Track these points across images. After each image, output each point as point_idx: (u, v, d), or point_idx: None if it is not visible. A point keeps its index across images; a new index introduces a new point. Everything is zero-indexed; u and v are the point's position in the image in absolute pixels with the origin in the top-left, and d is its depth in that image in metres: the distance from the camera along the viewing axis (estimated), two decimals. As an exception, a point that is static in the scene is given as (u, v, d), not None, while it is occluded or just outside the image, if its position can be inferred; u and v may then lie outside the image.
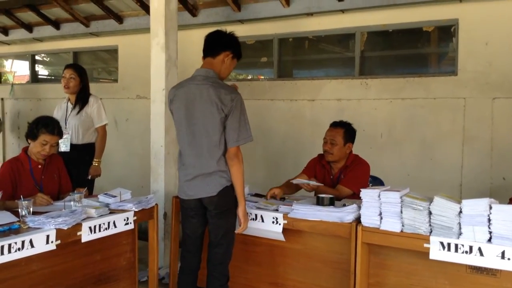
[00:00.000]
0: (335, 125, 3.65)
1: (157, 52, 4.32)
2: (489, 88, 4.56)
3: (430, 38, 5.03)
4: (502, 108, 4.51)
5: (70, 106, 4.49)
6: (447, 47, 4.96)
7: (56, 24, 7.03)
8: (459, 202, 2.50)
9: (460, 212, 2.48)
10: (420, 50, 5.16)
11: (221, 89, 2.82)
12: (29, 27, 7.33)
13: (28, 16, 7.08)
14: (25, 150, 3.49)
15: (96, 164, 4.42)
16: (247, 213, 3.04)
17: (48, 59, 8.37)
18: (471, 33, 4.60)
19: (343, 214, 2.84)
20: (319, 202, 2.99)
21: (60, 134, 3.46)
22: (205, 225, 3.05)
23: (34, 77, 8.17)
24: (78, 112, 4.40)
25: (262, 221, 3.08)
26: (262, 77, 6.15)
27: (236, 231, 2.99)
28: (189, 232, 3.06)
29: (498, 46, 4.49)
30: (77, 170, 4.13)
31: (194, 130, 2.87)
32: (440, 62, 5.09)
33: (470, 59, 4.62)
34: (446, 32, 4.84)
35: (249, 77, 6.34)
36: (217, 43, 2.98)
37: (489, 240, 2.41)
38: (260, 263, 3.25)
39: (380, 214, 2.70)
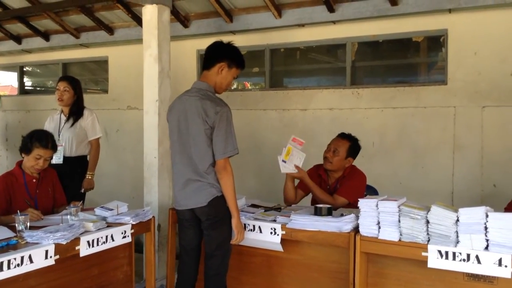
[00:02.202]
0: (343, 136, 3.67)
1: (150, 63, 4.32)
2: (478, 97, 4.63)
3: (419, 48, 5.11)
4: (491, 116, 4.58)
5: (63, 118, 4.46)
6: (437, 56, 5.04)
7: (46, 35, 6.99)
8: (456, 211, 2.54)
9: (457, 220, 2.51)
10: (410, 60, 5.24)
11: (208, 101, 2.88)
12: (18, 39, 7.29)
13: (17, 27, 7.04)
14: (19, 164, 3.46)
15: (90, 177, 4.40)
16: (243, 224, 3.05)
17: (37, 70, 8.31)
18: (460, 43, 4.68)
19: (341, 224, 2.86)
20: (317, 212, 3.00)
21: (54, 148, 3.45)
22: (201, 236, 3.06)
23: (22, 89, 8.10)
24: (72, 124, 4.38)
25: (260, 231, 3.08)
26: (254, 87, 6.19)
27: (231, 242, 3.00)
28: (185, 243, 3.08)
29: (486, 55, 4.57)
30: (70, 183, 4.10)
31: (184, 140, 2.94)
32: (430, 71, 5.17)
33: (460, 68, 4.70)
34: (436, 42, 4.92)
35: (241, 87, 6.37)
36: (211, 55, 3.03)
37: (486, 248, 2.44)
38: (257, 274, 3.25)
39: (378, 223, 2.73)
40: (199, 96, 2.91)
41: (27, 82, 8.33)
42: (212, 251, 2.96)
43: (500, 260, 2.39)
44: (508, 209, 3.16)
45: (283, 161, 3.41)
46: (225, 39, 3.15)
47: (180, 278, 3.11)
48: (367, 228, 2.76)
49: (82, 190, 4.40)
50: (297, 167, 3.42)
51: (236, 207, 2.94)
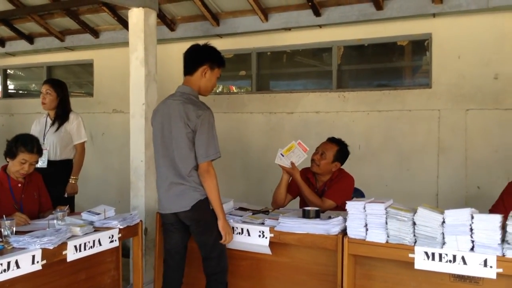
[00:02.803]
0: (332, 140, 3.70)
1: (136, 66, 4.31)
2: (462, 100, 4.70)
3: (404, 52, 5.17)
4: (475, 119, 4.65)
5: (49, 121, 4.42)
6: (421, 60, 5.10)
7: (30, 38, 6.92)
8: (442, 213, 2.57)
9: (443, 222, 2.55)
10: (395, 64, 5.29)
11: (190, 105, 2.90)
12: (1, 42, 7.20)
13: (1, 30, 6.95)
14: (4, 168, 3.42)
15: (73, 182, 4.37)
16: (231, 226, 3.05)
17: (21, 73, 8.21)
18: (444, 47, 4.75)
19: (329, 227, 2.88)
20: (305, 214, 3.02)
21: (39, 153, 3.42)
22: (186, 240, 3.09)
23: (6, 92, 8.00)
24: (57, 128, 4.35)
25: (248, 235, 3.09)
26: (241, 90, 6.19)
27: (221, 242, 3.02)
28: (169, 247, 3.10)
29: (470, 59, 4.65)
30: (54, 187, 4.06)
31: (167, 143, 2.96)
32: (414, 75, 5.24)
33: (444, 72, 4.77)
34: (420, 46, 4.99)
35: (227, 91, 6.38)
36: (192, 60, 3.04)
37: (472, 249, 2.48)
38: (246, 277, 3.26)
39: (366, 225, 2.75)
40: (182, 100, 2.93)
41: (11, 85, 8.22)
42: (207, 255, 3.01)
43: (485, 261, 2.43)
44: (493, 210, 3.21)
45: (281, 154, 3.46)
46: (212, 42, 3.15)
47: (166, 282, 3.11)
48: (355, 230, 2.78)
49: (66, 195, 4.35)
50: (292, 164, 3.46)
51: (221, 209, 2.95)
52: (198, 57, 3.02)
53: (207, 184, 2.89)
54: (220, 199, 2.94)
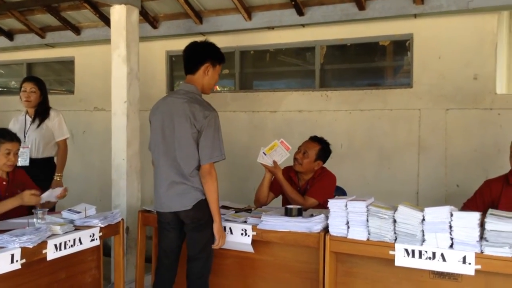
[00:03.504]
0: (314, 139, 3.71)
1: (118, 64, 4.27)
2: (442, 100, 4.77)
3: (386, 52, 5.22)
4: (455, 119, 4.73)
5: (29, 119, 4.36)
6: (402, 60, 5.17)
7: (10, 35, 6.81)
8: (422, 210, 2.60)
9: (423, 219, 2.58)
10: (377, 64, 5.35)
11: (196, 105, 2.85)
12: (-21, 38, 7.07)
13: (-21, 26, 6.84)
14: (-14, 168, 3.36)
15: (58, 179, 4.32)
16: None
17: (0, 70, 8.07)
18: (425, 47, 4.81)
19: (311, 224, 2.89)
20: (288, 213, 3.03)
21: (19, 141, 3.42)
22: (182, 239, 3.05)
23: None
24: (39, 125, 4.29)
25: (231, 233, 3.08)
26: (224, 89, 6.19)
27: (213, 247, 3.00)
28: (165, 246, 3.05)
29: (450, 59, 4.72)
30: (38, 185, 4.00)
31: (168, 142, 2.90)
32: (396, 75, 5.30)
33: (425, 72, 4.83)
34: (401, 46, 5.05)
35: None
36: (193, 59, 2.99)
37: (451, 246, 2.52)
38: (228, 275, 3.25)
39: (347, 223, 2.77)
40: (187, 98, 2.87)
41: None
42: (195, 254, 2.95)
43: (464, 258, 2.46)
44: (466, 204, 3.27)
45: (263, 153, 3.46)
46: (195, 40, 3.14)
47: (158, 281, 3.08)
48: (337, 228, 2.80)
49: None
50: (275, 162, 3.46)
51: (218, 212, 2.93)
52: (199, 55, 2.97)
53: (208, 186, 2.85)
54: (218, 202, 2.91)
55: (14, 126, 4.39)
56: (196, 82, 2.97)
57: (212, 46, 3.03)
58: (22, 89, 4.35)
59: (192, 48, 3.01)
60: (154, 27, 5.79)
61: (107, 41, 4.39)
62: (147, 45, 5.60)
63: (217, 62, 3.01)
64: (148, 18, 5.68)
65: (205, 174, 2.85)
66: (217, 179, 2.89)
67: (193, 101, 2.87)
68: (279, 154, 3.48)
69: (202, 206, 2.88)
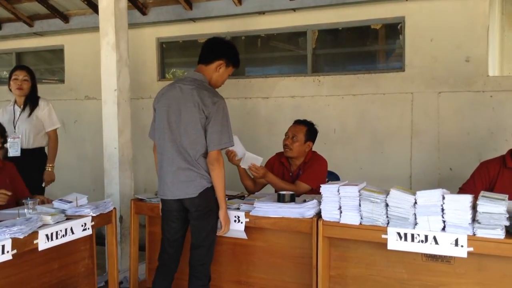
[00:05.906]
0: (299, 122, 3.71)
1: (107, 51, 4.21)
2: (435, 83, 4.76)
3: (378, 35, 5.19)
4: (447, 102, 4.72)
5: (18, 109, 4.31)
6: (394, 44, 5.14)
7: (-3, 24, 6.72)
8: (414, 194, 2.60)
9: (415, 203, 2.58)
10: (369, 48, 5.32)
11: (205, 91, 2.85)
12: (-33, 27, 6.97)
13: (-34, 15, 6.73)
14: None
15: (50, 169, 4.29)
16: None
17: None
18: (417, 30, 4.79)
19: (304, 210, 2.89)
20: (280, 199, 3.02)
21: (3, 131, 3.41)
22: (186, 229, 3.04)
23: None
24: (29, 115, 4.24)
25: (224, 220, 3.08)
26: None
27: (217, 233, 3.00)
28: (169, 234, 3.04)
29: (442, 42, 4.69)
30: (29, 176, 3.97)
31: (174, 128, 2.88)
32: (388, 58, 5.27)
33: (417, 55, 4.81)
34: (393, 29, 5.02)
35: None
36: (211, 52, 2.99)
37: (443, 229, 2.52)
38: (222, 262, 3.25)
39: (340, 208, 2.77)
40: (196, 85, 2.86)
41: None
42: (199, 242, 2.95)
43: (456, 241, 2.47)
44: (464, 188, 3.26)
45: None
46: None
47: (161, 269, 3.07)
48: (329, 213, 2.80)
49: (43, 184, 4.27)
50: (263, 168, 3.47)
51: (224, 199, 2.93)
52: (218, 50, 2.98)
53: (216, 173, 2.85)
54: (224, 189, 2.91)
55: (3, 116, 4.32)
56: (206, 73, 2.97)
57: (232, 47, 3.06)
58: (14, 77, 4.27)
59: (214, 41, 3.04)
60: (144, 13, 5.71)
61: (96, 28, 4.34)
62: (137, 32, 5.54)
63: (231, 64, 3.02)
64: (137, 4, 5.60)
65: (213, 161, 2.84)
66: (224, 166, 2.89)
67: (202, 87, 2.86)
68: (253, 159, 3.46)
69: (208, 194, 2.88)
